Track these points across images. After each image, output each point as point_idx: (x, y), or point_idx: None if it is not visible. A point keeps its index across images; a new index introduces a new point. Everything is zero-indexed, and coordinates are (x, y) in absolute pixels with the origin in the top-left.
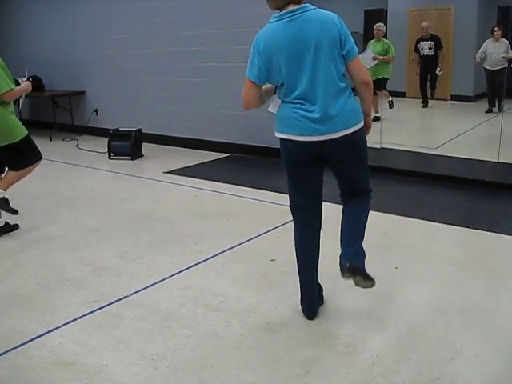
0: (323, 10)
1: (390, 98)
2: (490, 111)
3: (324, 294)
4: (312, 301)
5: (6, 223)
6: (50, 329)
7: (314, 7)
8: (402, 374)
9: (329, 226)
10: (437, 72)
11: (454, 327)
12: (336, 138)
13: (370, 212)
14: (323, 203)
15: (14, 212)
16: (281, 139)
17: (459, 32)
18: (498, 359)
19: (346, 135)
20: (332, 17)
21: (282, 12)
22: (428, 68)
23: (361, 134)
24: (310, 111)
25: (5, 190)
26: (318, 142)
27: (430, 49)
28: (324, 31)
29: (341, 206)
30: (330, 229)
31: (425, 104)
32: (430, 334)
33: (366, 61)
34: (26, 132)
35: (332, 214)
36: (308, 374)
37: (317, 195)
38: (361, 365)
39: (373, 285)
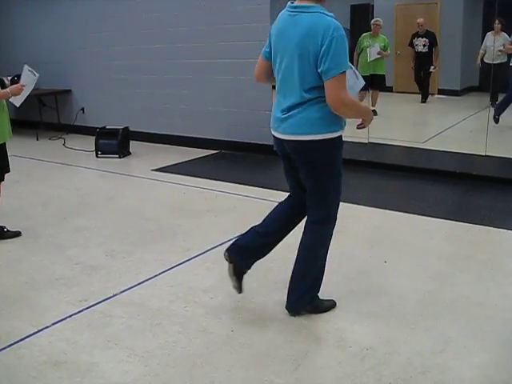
0: (324, 17)
1: (375, 108)
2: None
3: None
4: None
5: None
6: (40, 328)
7: (316, 10)
8: (391, 366)
9: None
10: (430, 70)
11: (444, 320)
12: (288, 140)
13: (359, 207)
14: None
15: (18, 233)
16: None
17: (445, 26)
18: (487, 351)
19: (296, 141)
20: (322, 26)
21: (292, 4)
22: (422, 65)
23: (315, 147)
24: (277, 108)
25: None
26: (280, 138)
27: (424, 46)
28: (306, 39)
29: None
30: None
31: (424, 99)
32: (419, 326)
33: (371, 54)
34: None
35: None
36: (299, 369)
37: (294, 190)
38: (351, 358)
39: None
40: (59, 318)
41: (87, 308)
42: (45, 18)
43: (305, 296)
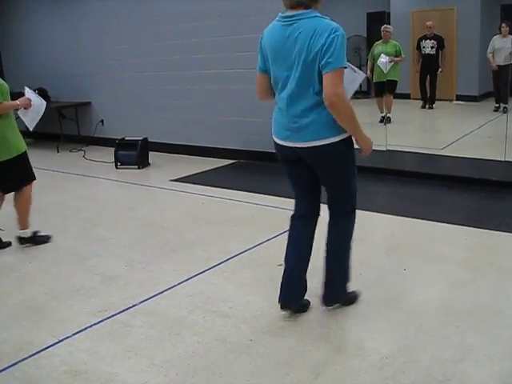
0: (324, 20)
1: (387, 114)
2: (497, 109)
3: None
4: (287, 290)
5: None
6: (61, 338)
7: (314, 15)
8: (411, 375)
9: None
10: (438, 73)
11: (464, 328)
12: (305, 148)
13: (377, 214)
14: None
15: (47, 238)
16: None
17: (462, 32)
18: (508, 359)
19: (313, 147)
20: (325, 29)
21: (284, 14)
22: (428, 67)
23: (333, 149)
24: (285, 117)
25: (27, 227)
26: (292, 147)
27: (432, 47)
28: (311, 43)
29: (357, 211)
30: None
31: (424, 104)
32: (439, 334)
33: (383, 66)
34: (23, 150)
35: None
36: (318, 378)
37: (307, 196)
38: (370, 367)
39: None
40: (79, 329)
41: (107, 318)
42: (64, 31)
43: (341, 288)
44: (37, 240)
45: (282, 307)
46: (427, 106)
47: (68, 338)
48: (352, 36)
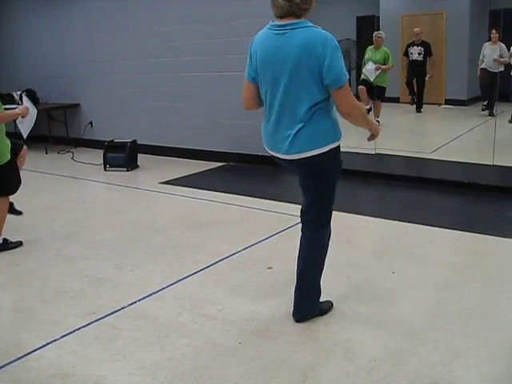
0: (316, 29)
1: (378, 119)
2: (485, 109)
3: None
4: (296, 301)
5: (5, 240)
6: (49, 341)
7: (307, 25)
8: (400, 378)
9: (337, 235)
10: (426, 78)
11: (452, 331)
12: (295, 160)
13: (366, 218)
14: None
15: (19, 243)
16: None
17: (452, 36)
18: (496, 362)
19: (303, 158)
20: (319, 40)
21: (275, 23)
22: (415, 73)
23: (323, 158)
24: (275, 129)
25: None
26: (284, 159)
27: (419, 54)
28: (304, 54)
29: (346, 214)
30: (337, 237)
31: (412, 102)
32: (428, 337)
33: (368, 74)
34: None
35: (341, 222)
36: (306, 381)
37: (305, 196)
38: (359, 370)
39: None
40: (68, 331)
41: (95, 321)
42: (52, 33)
43: (315, 301)
44: (8, 247)
45: (296, 320)
46: (411, 110)
47: (56, 340)
48: (342, 40)
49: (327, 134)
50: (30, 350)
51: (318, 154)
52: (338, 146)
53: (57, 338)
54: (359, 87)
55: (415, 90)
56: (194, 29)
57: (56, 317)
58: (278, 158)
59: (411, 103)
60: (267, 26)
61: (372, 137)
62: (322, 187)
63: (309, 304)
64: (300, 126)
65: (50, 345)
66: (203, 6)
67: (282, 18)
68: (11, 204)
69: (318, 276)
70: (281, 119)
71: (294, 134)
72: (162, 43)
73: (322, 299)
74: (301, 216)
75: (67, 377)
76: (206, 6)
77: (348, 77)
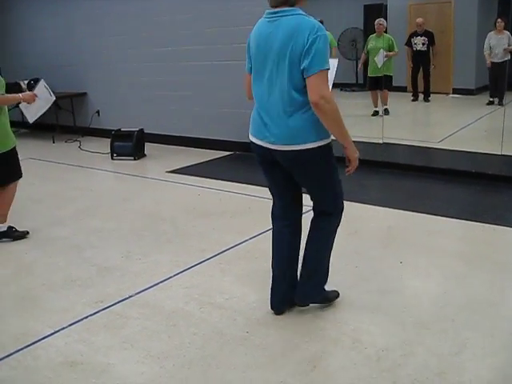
0: (306, 18)
1: (387, 106)
2: (491, 103)
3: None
4: (278, 296)
5: (10, 227)
6: (57, 329)
7: (298, 13)
8: (408, 368)
9: (345, 224)
10: (430, 69)
11: (460, 321)
12: (283, 151)
13: (373, 207)
14: None
15: (26, 233)
16: None
17: (460, 25)
18: (504, 352)
19: (291, 151)
20: (306, 26)
21: (269, 11)
22: (420, 63)
23: (312, 154)
24: (265, 115)
25: (5, 221)
26: (267, 148)
27: (423, 44)
28: (290, 40)
29: (354, 204)
30: (345, 227)
31: (414, 98)
32: (435, 327)
33: (379, 60)
34: (15, 143)
35: (349, 212)
36: (314, 370)
37: (284, 195)
38: (367, 360)
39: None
40: (75, 320)
41: (103, 309)
42: (59, 22)
43: (317, 287)
44: (13, 235)
45: (276, 313)
46: (419, 99)
47: (64, 328)
48: (349, 28)
49: (316, 128)
50: (39, 338)
51: (305, 150)
52: (328, 145)
53: (65, 326)
54: (371, 92)
55: (422, 84)
56: (200, 17)
57: (64, 305)
58: (258, 145)
59: (413, 99)
60: (264, 15)
61: (349, 167)
62: (312, 183)
63: (309, 289)
64: (287, 113)
65: (57, 333)
66: None
67: (276, 6)
68: (12, 228)
69: (322, 263)
70: (269, 108)
71: (283, 125)
72: (168, 32)
73: (329, 288)
74: (313, 206)
75: (75, 365)
76: None
77: (326, 68)
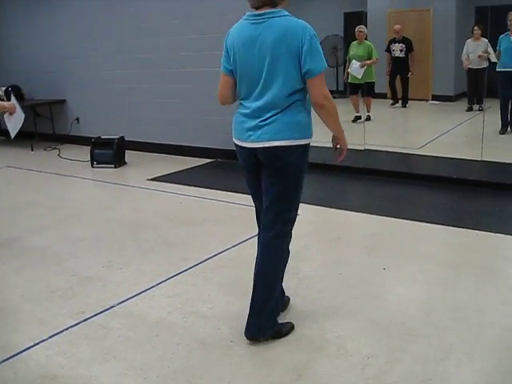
0: (294, 19)
1: (369, 113)
2: (470, 109)
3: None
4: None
5: None
6: (36, 342)
7: (285, 14)
8: (393, 375)
9: (328, 231)
10: (408, 76)
11: (444, 327)
12: (265, 148)
13: (356, 214)
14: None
15: None
16: None
17: (438, 32)
18: (489, 358)
19: (274, 147)
20: (298, 27)
21: (252, 13)
22: (398, 69)
23: (292, 151)
24: (249, 117)
25: None
26: (251, 148)
27: (401, 51)
28: (284, 41)
29: (336, 211)
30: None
31: (394, 102)
32: (420, 334)
33: (355, 72)
34: None
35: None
36: (300, 379)
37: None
38: (352, 367)
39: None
40: (56, 331)
41: (84, 320)
42: (38, 27)
43: (272, 316)
44: None
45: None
46: (397, 105)
47: (44, 340)
48: (329, 36)
49: (301, 127)
50: (18, 351)
51: (286, 146)
52: (308, 145)
53: (45, 338)
54: (351, 97)
55: (400, 90)
56: (182, 24)
57: (44, 317)
58: (242, 148)
59: (392, 103)
60: (244, 17)
61: (341, 156)
62: (285, 185)
63: (263, 321)
64: (276, 111)
65: (38, 345)
66: (189, 1)
67: (258, 8)
68: None
69: (272, 289)
70: (258, 107)
71: (267, 119)
72: (149, 39)
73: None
74: (257, 220)
75: (56, 378)
76: (192, 1)
77: (326, 67)
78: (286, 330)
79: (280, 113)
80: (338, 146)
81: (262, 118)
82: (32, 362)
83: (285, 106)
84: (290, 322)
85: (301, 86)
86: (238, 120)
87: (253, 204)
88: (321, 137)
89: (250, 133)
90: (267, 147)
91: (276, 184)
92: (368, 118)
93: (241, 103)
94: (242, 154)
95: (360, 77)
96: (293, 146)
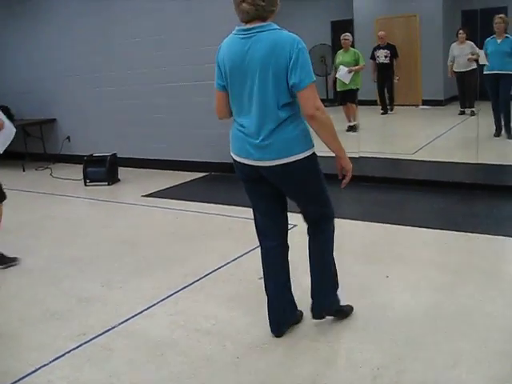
0: (283, 32)
1: (355, 123)
2: (462, 113)
3: (303, 312)
4: (277, 319)
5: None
6: (38, 367)
7: (274, 28)
8: None
9: None
10: (395, 81)
11: (453, 333)
12: (269, 166)
13: (354, 222)
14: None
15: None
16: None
17: (426, 38)
18: (500, 363)
19: (279, 165)
20: (287, 40)
21: (241, 27)
22: (384, 76)
23: (300, 165)
24: (247, 134)
25: None
26: (254, 165)
27: (385, 57)
28: (272, 55)
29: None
30: None
31: (384, 111)
32: (428, 341)
33: (343, 78)
34: None
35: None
36: None
37: (271, 213)
38: (363, 379)
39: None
40: (57, 355)
41: (86, 342)
42: (23, 47)
43: (330, 295)
44: (4, 261)
45: (276, 336)
46: (390, 112)
47: (45, 365)
48: (317, 45)
49: (301, 140)
50: (20, 377)
51: (295, 161)
52: (314, 154)
53: (46, 362)
54: (342, 106)
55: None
56: (170, 38)
57: (44, 340)
58: (243, 165)
59: (383, 112)
60: (233, 31)
61: (345, 178)
62: (307, 190)
63: (323, 299)
64: (271, 128)
65: (39, 370)
66: (175, 16)
67: (248, 22)
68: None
69: (329, 268)
70: (252, 124)
71: (266, 138)
72: (138, 54)
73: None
74: (258, 232)
75: None
76: (177, 16)
77: (314, 79)
78: (347, 309)
79: (277, 129)
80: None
81: (260, 137)
82: None
83: (280, 122)
84: (348, 305)
85: (290, 99)
86: (236, 136)
87: (249, 217)
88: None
89: (251, 151)
90: (272, 166)
91: (297, 197)
92: (354, 129)
93: (235, 119)
94: (242, 169)
95: (347, 82)
96: (297, 160)
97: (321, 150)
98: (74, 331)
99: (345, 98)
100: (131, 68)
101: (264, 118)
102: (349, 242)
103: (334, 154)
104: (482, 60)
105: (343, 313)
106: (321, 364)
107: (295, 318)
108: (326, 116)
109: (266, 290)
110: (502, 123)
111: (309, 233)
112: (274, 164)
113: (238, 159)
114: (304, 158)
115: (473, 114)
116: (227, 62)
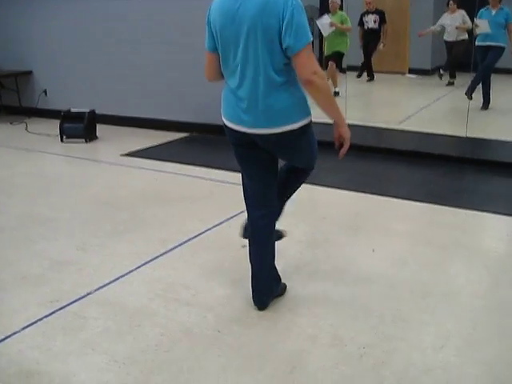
0: None
1: (337, 90)
2: (451, 84)
3: (287, 284)
4: (261, 290)
5: None
6: (8, 334)
7: None
8: (392, 365)
9: (313, 210)
10: (380, 47)
11: (440, 312)
12: (263, 134)
13: (341, 192)
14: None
15: None
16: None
17: (416, 6)
18: (489, 345)
19: (273, 134)
20: None
21: None
22: (370, 41)
23: (296, 134)
24: (240, 98)
25: None
26: (246, 132)
27: (374, 22)
28: (264, 14)
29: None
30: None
31: (371, 77)
32: (416, 320)
33: (323, 27)
34: None
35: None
36: (294, 372)
37: (262, 179)
38: (349, 358)
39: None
40: (29, 322)
41: (59, 309)
42: None
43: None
44: None
45: (259, 309)
46: (367, 79)
47: (16, 333)
48: (306, 6)
49: (298, 109)
50: None
51: (289, 131)
52: (310, 122)
53: (17, 330)
54: (329, 63)
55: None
56: None
57: (15, 306)
58: (236, 131)
59: (369, 79)
60: None
61: (343, 147)
62: (301, 154)
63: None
64: (265, 93)
65: (9, 338)
66: None
67: None
68: None
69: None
70: (245, 88)
71: (260, 105)
72: (120, 7)
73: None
74: (246, 200)
75: (31, 375)
76: None
77: (311, 39)
78: (283, 287)
79: (272, 95)
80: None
81: (253, 102)
82: (3, 358)
83: (274, 87)
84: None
85: (286, 62)
86: (228, 100)
87: (233, 181)
88: None
89: (244, 118)
90: (266, 134)
91: (285, 158)
92: (336, 94)
93: (226, 82)
94: (233, 133)
95: (326, 34)
96: (293, 130)
97: (317, 116)
98: (47, 297)
99: (330, 59)
100: (113, 21)
101: (257, 83)
102: (333, 212)
103: (331, 121)
104: (483, 28)
105: (283, 291)
106: (305, 340)
107: (279, 290)
108: (325, 81)
109: (250, 260)
110: (481, 93)
111: (284, 171)
112: (268, 133)
113: (229, 125)
114: (300, 127)
115: (450, 84)
116: (218, 21)
